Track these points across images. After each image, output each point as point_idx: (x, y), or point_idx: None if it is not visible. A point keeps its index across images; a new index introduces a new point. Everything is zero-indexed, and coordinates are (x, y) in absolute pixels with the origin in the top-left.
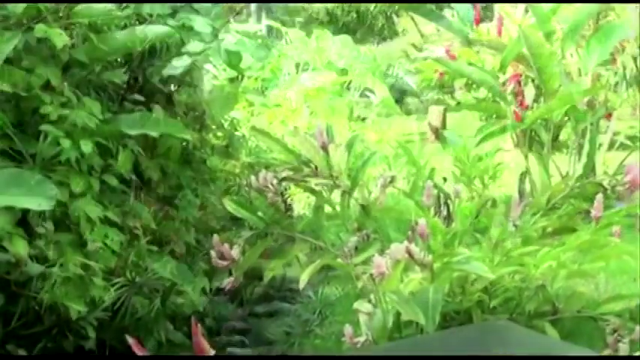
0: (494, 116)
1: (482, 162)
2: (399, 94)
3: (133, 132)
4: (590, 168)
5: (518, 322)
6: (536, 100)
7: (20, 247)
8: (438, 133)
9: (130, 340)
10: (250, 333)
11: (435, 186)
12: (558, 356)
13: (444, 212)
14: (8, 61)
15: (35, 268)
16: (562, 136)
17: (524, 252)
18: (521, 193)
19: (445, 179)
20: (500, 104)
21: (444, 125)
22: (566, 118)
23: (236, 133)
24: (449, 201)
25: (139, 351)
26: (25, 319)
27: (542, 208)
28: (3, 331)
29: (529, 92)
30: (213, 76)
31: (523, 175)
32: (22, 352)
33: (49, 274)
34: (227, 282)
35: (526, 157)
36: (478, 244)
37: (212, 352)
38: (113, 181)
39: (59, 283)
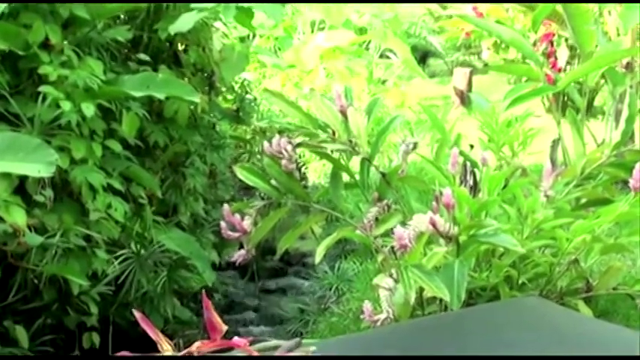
0: (524, 79)
1: (511, 127)
2: (422, 55)
3: (137, 94)
4: (628, 135)
5: (549, 299)
6: (569, 62)
7: (18, 217)
8: (464, 97)
9: (137, 315)
10: (262, 310)
11: (461, 153)
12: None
13: (471, 181)
14: (4, 17)
15: (34, 239)
16: (598, 101)
17: (557, 224)
18: (553, 162)
19: (472, 146)
20: (531, 66)
21: (470, 88)
22: (602, 82)
23: (247, 95)
24: (475, 169)
25: (146, 326)
26: (23, 293)
27: (576, 177)
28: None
29: (562, 53)
30: (223, 34)
31: (555, 142)
32: (19, 329)
33: (49, 246)
34: (238, 255)
35: (558, 123)
36: (507, 215)
37: (225, 329)
38: (117, 147)
39: (59, 255)
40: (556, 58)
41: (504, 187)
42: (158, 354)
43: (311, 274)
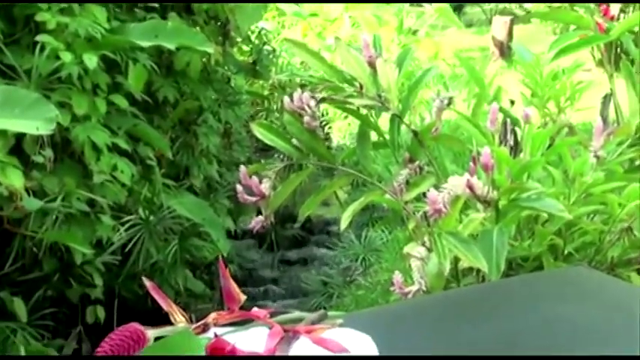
0: (572, 27)
1: (557, 81)
2: (457, 2)
3: (145, 44)
4: None
5: (598, 270)
6: (623, 10)
7: (15, 179)
8: (504, 48)
9: (147, 283)
10: (281, 283)
11: (501, 109)
12: None
13: (511, 140)
14: None
15: (32, 203)
16: None
17: (608, 188)
18: (604, 119)
19: (512, 102)
20: (580, 13)
21: (510, 39)
22: None
23: (265, 46)
24: (517, 127)
25: (157, 296)
26: (21, 262)
27: (630, 136)
28: None
29: None
30: None
31: (607, 98)
32: (17, 301)
33: (49, 211)
34: (255, 222)
35: (611, 76)
36: (551, 178)
37: (243, 299)
38: (122, 103)
39: (60, 221)
40: (608, 5)
41: (549, 146)
42: (170, 325)
43: (335, 243)
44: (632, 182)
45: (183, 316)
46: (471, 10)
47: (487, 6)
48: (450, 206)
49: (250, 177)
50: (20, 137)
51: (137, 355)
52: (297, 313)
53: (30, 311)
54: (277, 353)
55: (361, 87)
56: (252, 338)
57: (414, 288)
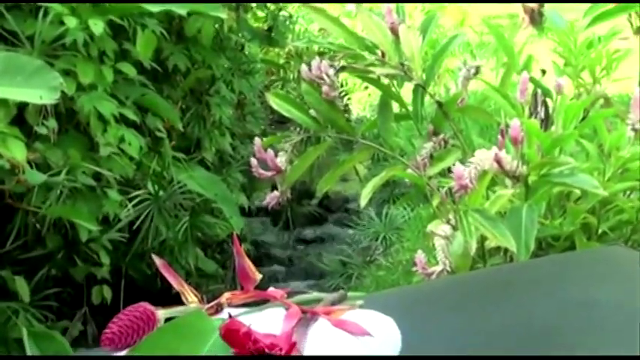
0: None
1: (593, 49)
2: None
3: (154, 8)
4: None
5: (635, 250)
6: None
7: (16, 151)
8: (535, 15)
9: (157, 261)
10: (297, 262)
11: (532, 79)
12: None
13: (542, 112)
14: None
15: (35, 177)
16: None
17: None
18: None
19: (544, 71)
20: None
21: (542, 5)
22: None
23: (281, 12)
24: (548, 99)
25: (167, 274)
26: (24, 239)
27: None
28: None
29: None
30: None
31: None
32: (19, 280)
33: (53, 185)
34: (270, 198)
35: None
36: (585, 152)
37: (259, 277)
38: (130, 71)
39: (65, 196)
40: None
41: (583, 119)
42: (182, 306)
43: (354, 221)
44: None
45: (196, 296)
46: None
47: None
48: (476, 182)
49: (265, 150)
50: (22, 107)
51: (148, 335)
52: (315, 294)
53: (33, 291)
54: (295, 335)
55: (383, 55)
56: (269, 320)
57: (438, 268)
